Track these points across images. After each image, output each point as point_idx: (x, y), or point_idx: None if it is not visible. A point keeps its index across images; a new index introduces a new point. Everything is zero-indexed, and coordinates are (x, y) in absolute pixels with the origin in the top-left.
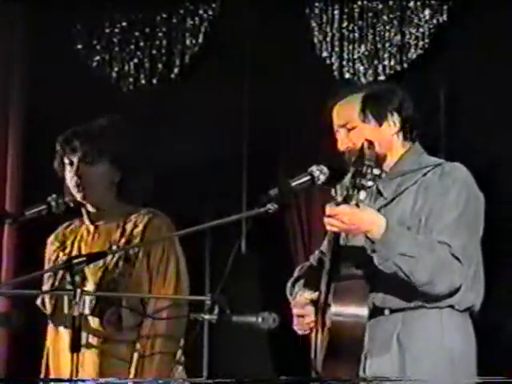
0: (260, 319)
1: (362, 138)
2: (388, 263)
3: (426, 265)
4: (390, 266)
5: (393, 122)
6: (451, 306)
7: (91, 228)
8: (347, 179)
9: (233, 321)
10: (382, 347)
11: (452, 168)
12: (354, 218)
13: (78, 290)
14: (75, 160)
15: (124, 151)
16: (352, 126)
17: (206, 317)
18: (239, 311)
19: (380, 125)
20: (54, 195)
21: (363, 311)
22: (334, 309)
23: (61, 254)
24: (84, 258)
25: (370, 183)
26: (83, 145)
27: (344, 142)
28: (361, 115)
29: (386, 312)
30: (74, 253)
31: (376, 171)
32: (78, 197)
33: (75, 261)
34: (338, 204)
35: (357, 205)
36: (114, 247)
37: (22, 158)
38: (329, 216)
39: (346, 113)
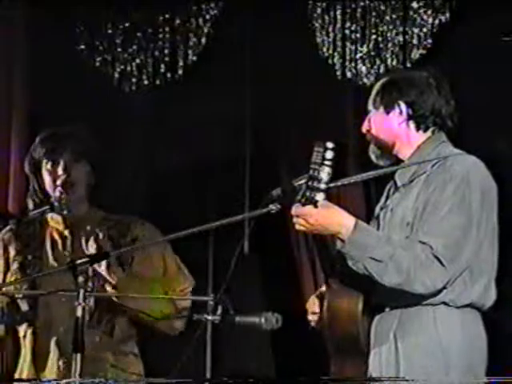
0: (263, 319)
1: (372, 124)
2: (359, 264)
3: (399, 266)
4: (360, 267)
5: (400, 112)
6: (445, 303)
7: (66, 232)
8: (304, 182)
9: (236, 321)
10: (381, 345)
11: (454, 162)
12: (320, 218)
13: (82, 291)
14: (64, 158)
15: (101, 155)
16: (369, 109)
17: (210, 317)
18: (242, 312)
19: (387, 113)
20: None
21: (357, 306)
22: (327, 305)
23: (29, 256)
24: (87, 259)
25: (322, 186)
26: (72, 143)
27: (364, 124)
28: (373, 101)
29: (387, 309)
30: (49, 257)
31: (323, 175)
32: (61, 197)
33: (78, 262)
34: (303, 204)
35: (315, 206)
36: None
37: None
38: (296, 216)
39: (370, 96)
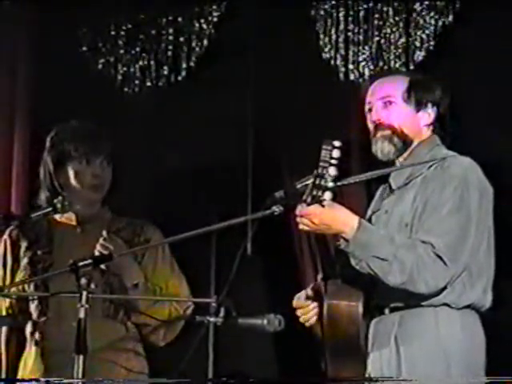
0: (266, 321)
1: (396, 116)
2: (362, 264)
3: (402, 266)
4: (364, 266)
5: (429, 113)
6: (447, 305)
7: (77, 230)
8: (311, 180)
9: (239, 323)
10: (382, 346)
11: (452, 163)
12: (325, 218)
13: (84, 293)
14: (100, 159)
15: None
16: (392, 100)
17: (212, 319)
18: (245, 313)
19: (418, 111)
20: (59, 197)
21: (357, 308)
22: (327, 306)
23: (39, 251)
24: (90, 261)
25: (330, 184)
26: (106, 145)
27: (378, 113)
28: (405, 94)
29: (386, 311)
30: (60, 254)
31: (332, 172)
32: (93, 197)
33: (81, 263)
34: (308, 204)
35: (322, 205)
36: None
37: (28, 160)
38: (300, 216)
39: (390, 87)
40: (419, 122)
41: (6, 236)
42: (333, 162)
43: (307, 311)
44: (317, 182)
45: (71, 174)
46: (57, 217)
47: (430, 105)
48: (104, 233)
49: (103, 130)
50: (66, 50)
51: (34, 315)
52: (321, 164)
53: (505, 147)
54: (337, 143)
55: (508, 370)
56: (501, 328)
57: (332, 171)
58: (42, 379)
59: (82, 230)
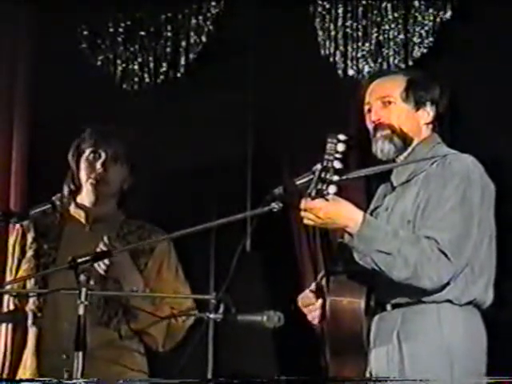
0: (265, 318)
1: (396, 115)
2: (366, 259)
3: (406, 260)
4: (368, 261)
5: (428, 112)
6: (450, 301)
7: (86, 228)
8: (316, 174)
9: (238, 320)
10: (384, 343)
11: (453, 160)
12: (329, 212)
13: (84, 290)
14: (107, 154)
15: (139, 162)
16: (391, 100)
17: (212, 316)
18: (244, 310)
19: (417, 110)
20: (58, 194)
21: (359, 305)
22: (330, 303)
23: (45, 245)
24: (89, 257)
25: (335, 177)
26: (117, 142)
27: (378, 113)
28: (403, 94)
29: (388, 308)
30: (65, 250)
31: (337, 165)
32: (91, 190)
33: (80, 260)
34: (313, 198)
35: (326, 199)
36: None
37: (27, 157)
38: (304, 210)
39: (388, 87)
40: (419, 120)
41: (18, 226)
42: (337, 155)
43: (315, 309)
44: (322, 175)
45: (82, 166)
46: (72, 212)
47: (428, 103)
48: (105, 238)
49: (122, 131)
50: (65, 48)
51: (32, 311)
52: (326, 157)
53: (505, 144)
54: (342, 137)
55: (510, 368)
56: (502, 326)
57: (337, 165)
58: (41, 379)
59: (90, 229)
